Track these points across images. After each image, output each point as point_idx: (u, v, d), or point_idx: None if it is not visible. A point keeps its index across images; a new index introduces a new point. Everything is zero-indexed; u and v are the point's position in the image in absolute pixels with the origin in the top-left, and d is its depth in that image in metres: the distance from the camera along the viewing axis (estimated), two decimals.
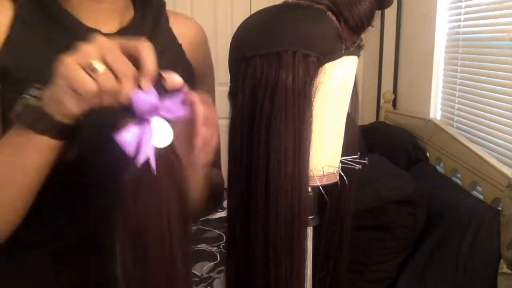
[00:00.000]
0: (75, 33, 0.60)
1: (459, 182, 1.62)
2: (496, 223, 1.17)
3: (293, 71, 0.57)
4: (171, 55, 0.70)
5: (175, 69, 0.56)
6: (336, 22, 0.59)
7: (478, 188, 1.50)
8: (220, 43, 2.99)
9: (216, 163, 0.81)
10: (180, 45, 0.73)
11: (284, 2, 0.64)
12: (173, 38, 0.72)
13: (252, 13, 0.67)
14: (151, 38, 0.56)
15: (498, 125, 1.51)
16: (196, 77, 0.76)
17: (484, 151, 1.51)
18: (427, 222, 1.32)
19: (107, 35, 0.55)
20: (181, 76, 0.57)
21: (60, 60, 0.44)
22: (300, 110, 0.58)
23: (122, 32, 0.64)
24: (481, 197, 1.46)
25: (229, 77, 0.67)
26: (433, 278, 1.22)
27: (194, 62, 0.75)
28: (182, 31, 0.74)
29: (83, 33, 0.59)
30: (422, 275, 1.24)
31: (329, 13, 0.59)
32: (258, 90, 0.59)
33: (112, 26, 0.65)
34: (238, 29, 0.66)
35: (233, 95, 0.64)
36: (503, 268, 1.11)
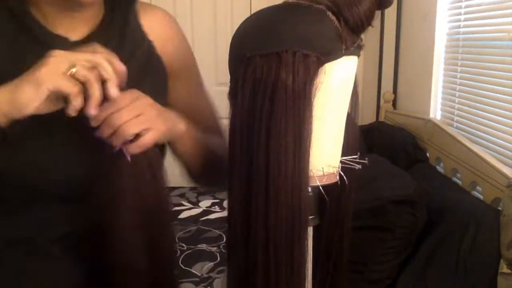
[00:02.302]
0: (43, 41, 0.61)
1: (459, 182, 1.62)
2: (496, 223, 1.17)
3: (293, 71, 0.57)
4: (141, 54, 0.69)
5: (145, 69, 0.67)
6: (336, 22, 0.59)
7: (478, 188, 1.50)
8: (220, 43, 3.00)
9: (214, 129, 0.84)
10: (150, 42, 0.70)
11: (284, 2, 0.64)
12: (143, 35, 0.70)
13: (252, 13, 0.67)
14: (120, 40, 0.65)
15: (498, 125, 1.51)
16: (172, 72, 0.74)
17: (484, 151, 1.51)
18: (427, 222, 1.32)
19: (75, 42, 0.62)
20: (153, 74, 0.68)
21: (45, 62, 0.51)
22: (300, 110, 0.58)
23: (91, 37, 0.64)
24: (481, 197, 1.46)
25: (229, 77, 0.67)
26: (433, 278, 1.22)
27: (167, 57, 0.73)
28: (151, 25, 0.71)
29: (51, 41, 0.61)
30: (422, 275, 1.24)
31: (329, 13, 0.59)
32: (258, 90, 0.59)
33: (81, 31, 0.64)
34: (238, 29, 0.66)
35: (233, 95, 0.64)
36: (503, 268, 1.11)
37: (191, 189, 2.55)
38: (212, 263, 1.69)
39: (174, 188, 2.55)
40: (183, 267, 1.65)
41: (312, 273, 0.72)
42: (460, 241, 1.20)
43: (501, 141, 1.50)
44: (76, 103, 0.51)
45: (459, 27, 1.82)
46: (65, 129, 0.58)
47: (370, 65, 2.68)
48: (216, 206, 2.26)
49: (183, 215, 2.16)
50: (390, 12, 2.36)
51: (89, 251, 0.62)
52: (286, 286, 0.61)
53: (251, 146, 0.60)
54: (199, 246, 1.82)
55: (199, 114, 0.80)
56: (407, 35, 2.28)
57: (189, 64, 0.79)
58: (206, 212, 2.19)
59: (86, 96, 0.52)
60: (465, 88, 1.76)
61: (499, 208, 1.28)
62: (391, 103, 2.39)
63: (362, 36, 0.63)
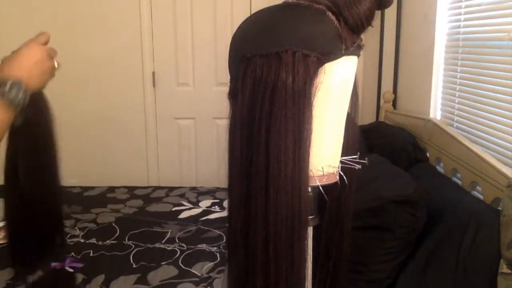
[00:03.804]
0: None
1: (459, 182, 1.62)
2: (496, 223, 1.17)
3: (293, 71, 0.57)
4: None
5: None
6: (336, 22, 0.59)
7: (478, 188, 1.50)
8: (220, 43, 3.00)
9: None
10: None
11: (284, 2, 0.64)
12: None
13: (252, 13, 0.67)
14: None
15: (498, 125, 1.51)
16: None
17: (484, 151, 1.51)
18: (427, 222, 1.32)
19: None
20: None
21: (41, 50, 0.77)
22: (300, 110, 0.58)
23: None
24: (481, 197, 1.46)
25: (229, 77, 0.67)
26: (433, 278, 1.22)
27: None
28: None
29: None
30: (422, 275, 1.24)
31: (329, 13, 0.59)
32: (258, 90, 0.59)
33: None
34: (238, 29, 0.66)
35: (233, 95, 0.64)
36: (503, 268, 1.11)
37: (191, 189, 2.55)
38: (212, 263, 1.69)
39: (174, 188, 2.55)
40: (183, 267, 1.65)
41: (312, 273, 0.72)
42: (460, 241, 1.20)
43: (501, 141, 1.50)
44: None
45: (459, 27, 1.82)
46: None
47: (370, 65, 2.68)
48: (216, 206, 2.26)
49: (183, 215, 2.16)
50: (390, 12, 2.36)
51: None
52: (286, 286, 0.61)
53: (251, 146, 0.60)
54: (199, 246, 1.82)
55: None
56: (407, 35, 2.28)
57: None
58: (206, 212, 2.19)
59: None
60: (465, 88, 1.76)
61: (499, 208, 1.28)
62: (391, 103, 2.39)
63: (362, 36, 0.63)
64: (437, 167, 1.81)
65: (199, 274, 1.61)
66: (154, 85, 3.07)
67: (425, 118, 1.97)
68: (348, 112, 0.69)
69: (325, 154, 0.66)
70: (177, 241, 1.87)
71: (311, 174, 0.63)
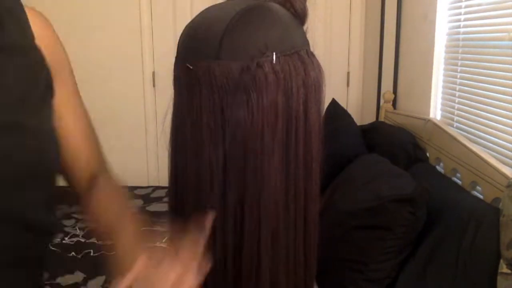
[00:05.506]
0: None
1: (459, 182, 1.62)
2: (496, 222, 1.18)
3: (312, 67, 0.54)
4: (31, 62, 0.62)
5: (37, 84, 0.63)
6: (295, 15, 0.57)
7: (478, 188, 1.51)
8: None
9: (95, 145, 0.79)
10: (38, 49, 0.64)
11: (242, 9, 0.55)
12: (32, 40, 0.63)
13: None
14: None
15: (498, 125, 1.51)
16: (55, 78, 0.68)
17: (484, 151, 1.52)
18: (427, 221, 1.32)
19: None
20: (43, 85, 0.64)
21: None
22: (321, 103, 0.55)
23: None
24: (481, 197, 1.46)
25: None
26: (433, 277, 1.22)
27: (52, 63, 0.68)
28: (35, 28, 0.65)
29: None
30: (422, 274, 1.24)
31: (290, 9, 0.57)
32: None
33: None
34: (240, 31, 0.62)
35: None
36: (503, 267, 1.11)
37: None
38: None
39: None
40: None
41: None
42: (460, 240, 1.20)
43: (501, 141, 1.50)
44: None
45: (459, 27, 1.82)
46: None
47: (370, 65, 2.68)
48: None
49: None
50: (390, 12, 2.36)
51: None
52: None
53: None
54: None
55: (77, 121, 0.77)
56: (407, 35, 2.28)
57: (65, 68, 0.74)
58: None
59: None
60: (465, 88, 1.76)
61: (499, 207, 1.28)
62: (391, 103, 2.39)
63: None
64: (437, 167, 1.81)
65: None
66: (154, 85, 3.07)
67: (425, 118, 1.97)
68: None
69: None
70: None
71: None
